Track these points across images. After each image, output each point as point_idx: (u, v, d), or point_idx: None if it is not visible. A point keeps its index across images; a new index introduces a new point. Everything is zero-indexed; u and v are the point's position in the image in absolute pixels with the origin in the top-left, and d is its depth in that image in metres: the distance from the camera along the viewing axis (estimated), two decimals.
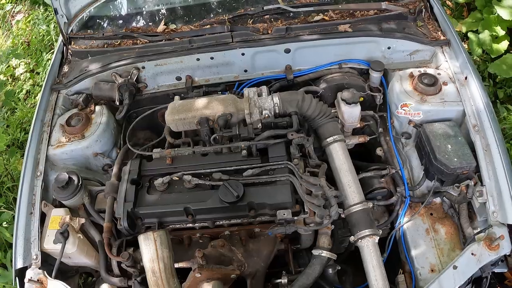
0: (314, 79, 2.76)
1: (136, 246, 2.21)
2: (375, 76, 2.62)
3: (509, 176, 2.13)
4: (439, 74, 2.54)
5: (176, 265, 2.05)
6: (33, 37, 4.85)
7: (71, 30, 2.95)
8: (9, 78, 4.53)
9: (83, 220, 2.35)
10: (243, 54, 2.69)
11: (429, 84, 2.46)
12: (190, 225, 2.27)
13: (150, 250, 1.76)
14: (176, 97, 2.59)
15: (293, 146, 2.29)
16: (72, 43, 2.94)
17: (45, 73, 4.58)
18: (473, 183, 2.24)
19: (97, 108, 2.70)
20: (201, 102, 2.46)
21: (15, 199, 3.31)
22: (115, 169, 2.48)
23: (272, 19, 2.80)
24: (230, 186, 2.12)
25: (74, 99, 2.77)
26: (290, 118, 2.37)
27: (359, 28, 2.70)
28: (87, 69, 2.79)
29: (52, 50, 4.75)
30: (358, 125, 2.54)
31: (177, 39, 2.73)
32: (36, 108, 2.71)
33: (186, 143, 2.51)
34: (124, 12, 2.98)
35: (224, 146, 2.33)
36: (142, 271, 2.17)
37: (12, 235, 3.10)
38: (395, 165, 2.50)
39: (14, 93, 3.67)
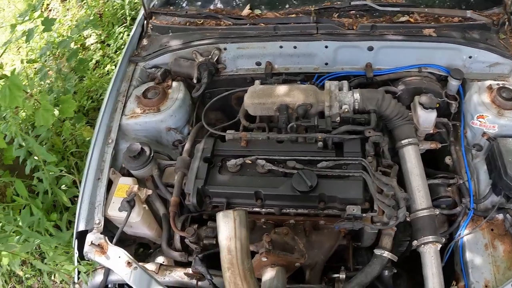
0: (393, 79, 2.67)
1: (199, 223, 2.23)
2: (454, 84, 2.54)
3: None
4: None
5: None
6: (106, 9, 4.88)
7: (153, 5, 2.93)
8: (80, 47, 4.59)
9: (150, 192, 2.30)
10: (326, 47, 2.62)
11: (508, 99, 2.38)
12: (257, 209, 2.21)
13: (229, 228, 1.70)
14: (257, 81, 2.52)
15: (369, 143, 2.23)
16: (153, 17, 2.92)
17: (116, 45, 4.66)
18: None
19: (174, 84, 2.66)
20: (282, 89, 2.40)
21: (77, 164, 3.32)
22: (187, 145, 2.46)
23: (357, 15, 2.72)
24: (304, 175, 2.08)
25: (152, 73, 2.74)
26: (368, 116, 2.32)
27: (443, 34, 2.59)
28: (167, 44, 2.76)
29: (125, 24, 4.80)
30: (431, 131, 2.45)
31: (262, 24, 2.67)
32: (113, 78, 2.69)
33: (261, 128, 2.47)
34: None
35: (301, 136, 2.29)
36: (204, 248, 2.15)
37: (69, 199, 3.17)
38: (462, 175, 2.40)
39: (87, 61, 3.69)
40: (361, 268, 2.13)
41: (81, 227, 2.21)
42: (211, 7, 2.88)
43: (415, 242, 2.08)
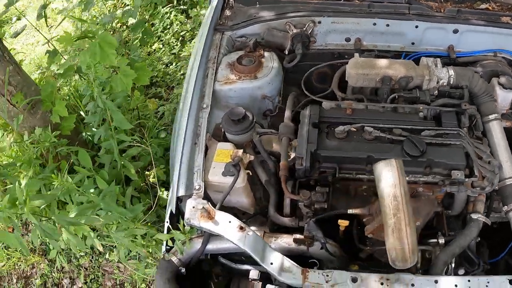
0: (471, 62, 2.73)
1: (306, 188, 2.15)
2: None
3: None
4: None
5: (350, 211, 2.05)
6: None
7: None
8: (122, 25, 4.49)
9: (252, 157, 2.22)
10: (416, 27, 2.65)
11: None
12: (360, 176, 2.19)
13: (393, 175, 1.73)
14: (356, 54, 2.54)
15: (465, 116, 2.32)
16: None
17: (162, 25, 4.56)
18: None
19: (266, 53, 2.61)
20: (383, 61, 2.45)
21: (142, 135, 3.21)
22: (287, 112, 2.45)
23: (442, 0, 2.78)
24: (415, 140, 2.11)
25: (243, 41, 2.68)
26: (461, 91, 2.44)
27: None
28: (257, 15, 2.71)
29: (171, 4, 4.72)
30: (504, 111, 2.55)
31: (356, 1, 2.68)
32: (200, 46, 2.60)
33: (357, 99, 2.48)
34: None
35: (404, 106, 2.34)
36: (315, 213, 2.12)
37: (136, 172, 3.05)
38: None
39: (152, 32, 3.58)
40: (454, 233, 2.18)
41: (181, 192, 2.08)
42: None
43: (505, 208, 2.16)
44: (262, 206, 2.36)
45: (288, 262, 1.91)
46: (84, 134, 3.39)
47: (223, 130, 2.36)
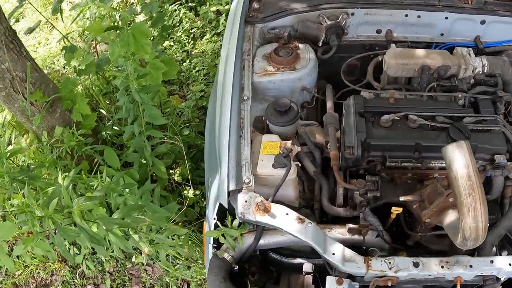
0: (498, 52, 2.79)
1: (355, 178, 2.15)
2: None
3: None
4: None
5: (402, 198, 2.04)
6: None
7: None
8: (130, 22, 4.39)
9: (299, 149, 2.20)
10: (446, 18, 2.69)
11: None
12: (405, 164, 2.19)
13: (465, 156, 1.75)
14: (393, 45, 2.55)
15: (501, 102, 2.37)
16: None
17: (172, 22, 4.50)
18: None
19: (301, 45, 2.60)
20: (421, 51, 2.49)
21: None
22: (329, 103, 2.47)
23: None
24: (459, 127, 2.14)
25: (276, 33, 2.66)
26: (495, 79, 2.50)
27: None
28: (288, 7, 2.70)
29: (179, 1, 4.66)
30: None
31: None
32: (234, 38, 2.55)
33: (395, 88, 2.49)
34: None
35: (443, 94, 2.38)
36: (369, 202, 2.12)
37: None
38: None
39: (170, 27, 3.50)
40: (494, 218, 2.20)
41: (232, 187, 2.00)
42: None
43: None
44: (306, 198, 2.36)
45: (350, 252, 1.90)
46: (104, 133, 3.32)
47: (267, 122, 2.35)
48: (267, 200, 1.99)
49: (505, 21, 2.73)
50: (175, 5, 4.62)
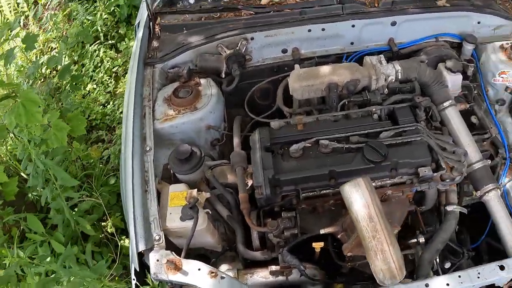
0: (415, 51, 2.69)
1: (271, 216, 2.04)
2: (469, 48, 2.63)
3: None
4: None
5: (322, 231, 1.94)
6: (73, 29, 4.51)
7: (157, 5, 2.69)
8: (52, 70, 4.18)
9: (208, 195, 2.03)
10: (353, 26, 2.56)
11: None
12: (325, 192, 2.06)
13: (364, 195, 1.64)
14: (296, 66, 2.39)
15: (420, 108, 2.26)
16: (158, 18, 2.69)
17: (93, 63, 4.31)
18: None
19: (202, 80, 2.43)
20: (326, 69, 2.32)
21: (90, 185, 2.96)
22: (236, 140, 2.30)
23: None
24: (375, 145, 2.01)
25: (175, 72, 2.49)
26: (411, 84, 2.37)
27: (454, 3, 2.67)
28: (185, 42, 2.53)
29: (99, 41, 4.48)
30: (457, 94, 2.52)
31: (287, 10, 2.54)
32: (132, 84, 2.39)
33: (306, 112, 2.36)
34: None
35: (356, 111, 2.23)
36: (286, 241, 2.00)
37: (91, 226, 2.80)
38: (491, 130, 2.49)
39: (80, 76, 3.31)
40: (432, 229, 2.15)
41: (142, 247, 1.86)
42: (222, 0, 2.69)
43: (478, 193, 2.17)
44: (229, 240, 2.21)
45: None
46: (30, 195, 3.11)
47: (172, 171, 2.18)
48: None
49: (417, 19, 2.62)
50: (95, 45, 4.43)
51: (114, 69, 4.35)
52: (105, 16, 4.42)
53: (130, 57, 4.37)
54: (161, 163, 2.24)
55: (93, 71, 4.19)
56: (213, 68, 2.49)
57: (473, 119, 2.55)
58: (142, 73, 2.47)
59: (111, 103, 4.02)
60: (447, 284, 1.79)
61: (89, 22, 4.43)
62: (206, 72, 2.52)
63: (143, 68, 2.49)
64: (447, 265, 2.14)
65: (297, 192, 2.04)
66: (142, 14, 2.77)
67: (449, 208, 2.13)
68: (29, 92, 2.19)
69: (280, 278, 1.97)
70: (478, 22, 2.66)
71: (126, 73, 4.31)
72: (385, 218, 1.63)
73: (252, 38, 2.50)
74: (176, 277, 1.81)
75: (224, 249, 2.18)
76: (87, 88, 4.05)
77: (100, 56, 4.35)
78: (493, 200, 2.13)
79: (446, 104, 2.32)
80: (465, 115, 2.48)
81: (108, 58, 4.36)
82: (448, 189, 2.18)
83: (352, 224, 1.89)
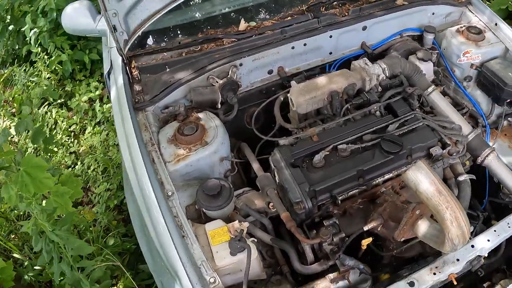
0: (385, 50, 2.89)
1: (313, 229, 2.05)
2: (430, 37, 2.87)
3: None
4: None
5: (366, 228, 1.99)
6: (16, 94, 4.23)
7: (131, 48, 2.61)
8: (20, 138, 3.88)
9: (247, 224, 1.99)
10: (330, 37, 2.69)
11: (477, 33, 2.79)
12: (351, 193, 2.11)
13: (428, 175, 1.73)
14: (293, 82, 2.45)
15: (412, 98, 2.43)
16: (133, 61, 2.62)
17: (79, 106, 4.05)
18: None
19: (201, 115, 2.39)
20: (323, 79, 2.41)
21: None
22: (255, 164, 2.35)
23: (340, 4, 2.86)
24: (390, 138, 2.15)
25: (170, 111, 2.42)
26: (399, 78, 2.55)
27: (411, 0, 2.91)
28: (173, 80, 2.47)
29: (47, 102, 4.19)
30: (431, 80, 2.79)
31: (268, 32, 2.59)
32: (130, 132, 2.26)
33: (310, 124, 2.41)
34: (188, 20, 2.71)
35: (360, 112, 2.36)
36: (338, 246, 2.02)
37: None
38: (466, 104, 2.76)
39: (53, 137, 3.04)
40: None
41: None
42: (197, 33, 2.66)
43: (479, 159, 2.36)
44: (270, 265, 2.18)
45: None
46: (26, 277, 2.82)
47: (202, 210, 2.10)
48: None
49: (382, 20, 2.82)
50: (44, 107, 4.18)
51: (71, 128, 4.13)
52: (48, 76, 4.19)
53: (85, 113, 4.24)
54: (183, 206, 2.12)
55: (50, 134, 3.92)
56: (209, 100, 2.45)
57: (447, 100, 2.72)
58: (135, 119, 2.37)
59: (78, 163, 3.79)
60: (488, 240, 2.00)
61: (33, 83, 4.18)
62: (202, 105, 2.47)
63: (134, 114, 2.39)
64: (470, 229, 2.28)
65: (333, 198, 2.07)
66: (113, 61, 2.65)
67: (461, 178, 2.27)
68: (32, 157, 1.99)
69: (341, 283, 1.97)
70: (433, 13, 2.93)
71: (83, 129, 4.11)
72: (448, 189, 1.75)
73: (241, 64, 2.51)
74: None
75: (269, 274, 2.12)
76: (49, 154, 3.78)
77: (53, 117, 4.10)
78: (494, 161, 2.33)
79: (430, 89, 2.51)
80: None
81: (62, 118, 4.12)
82: (453, 163, 2.33)
83: (393, 213, 2.01)
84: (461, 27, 2.84)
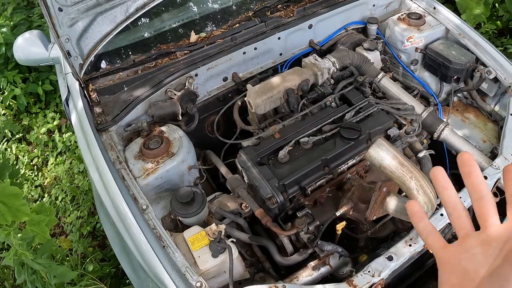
0: (332, 45, 3.03)
1: (287, 222, 2.13)
2: (373, 28, 3.04)
3: (496, 51, 2.72)
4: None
5: (339, 213, 2.09)
6: None
7: (86, 71, 2.63)
8: None
9: (224, 226, 2.04)
10: (279, 38, 2.79)
11: (417, 18, 2.94)
12: (320, 182, 2.22)
13: (389, 150, 1.82)
14: (248, 85, 2.53)
15: (364, 86, 2.56)
16: (90, 84, 2.66)
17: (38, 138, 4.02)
18: (481, 67, 2.71)
19: (163, 128, 2.44)
20: (277, 79, 2.52)
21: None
22: (223, 168, 2.42)
23: (284, 7, 2.98)
24: (349, 125, 2.26)
25: (133, 128, 2.46)
26: (349, 69, 2.69)
27: None
28: (132, 97, 2.51)
29: (5, 138, 4.15)
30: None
31: (219, 40, 2.67)
32: (96, 153, 2.30)
33: (270, 123, 2.51)
34: (140, 37, 2.77)
35: (316, 105, 2.47)
36: (314, 234, 2.09)
37: None
38: (416, 86, 2.92)
39: (19, 172, 3.00)
40: None
41: None
42: (148, 50, 2.72)
43: (435, 135, 2.50)
44: (252, 264, 2.24)
45: (332, 286, 1.86)
46: None
47: (178, 219, 2.16)
48: None
49: (326, 17, 2.94)
50: (2, 144, 4.13)
51: (33, 162, 4.09)
52: (3, 112, 4.15)
53: (45, 145, 4.21)
54: (158, 218, 2.15)
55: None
56: (169, 113, 2.50)
57: (398, 84, 2.89)
58: (100, 140, 2.41)
59: (46, 195, 3.76)
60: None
61: None
62: (164, 119, 2.52)
63: (98, 135, 2.43)
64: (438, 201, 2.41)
65: (303, 190, 2.16)
66: (70, 87, 2.68)
67: (420, 154, 2.40)
68: (6, 186, 1.99)
69: (323, 269, 2.05)
70: (373, 5, 3.09)
71: (47, 161, 4.08)
72: (410, 161, 1.85)
73: (196, 75, 2.58)
74: None
75: (253, 273, 2.18)
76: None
77: (14, 153, 4.05)
78: (449, 135, 2.47)
79: (379, 76, 2.67)
80: None
81: (23, 153, 4.08)
82: (411, 141, 2.45)
83: (362, 195, 2.11)
84: (402, 15, 3.00)
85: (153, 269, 1.92)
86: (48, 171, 3.98)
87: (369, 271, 1.89)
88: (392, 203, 2.00)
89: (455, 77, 2.78)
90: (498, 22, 4.51)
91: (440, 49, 2.81)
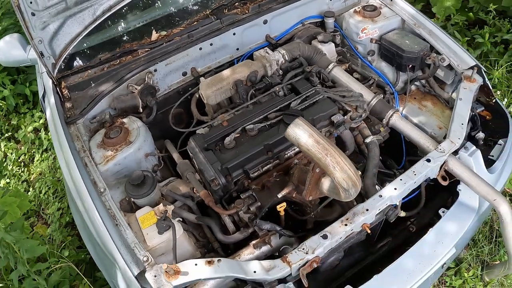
0: (289, 39, 3.20)
1: (232, 202, 2.29)
2: (330, 21, 3.20)
3: (451, 39, 2.85)
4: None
5: (280, 194, 2.23)
6: None
7: (59, 70, 2.84)
8: None
9: (172, 207, 2.24)
10: (234, 34, 2.98)
11: (372, 10, 3.09)
12: (266, 167, 2.38)
13: (305, 129, 1.89)
14: (202, 78, 2.75)
15: (312, 75, 2.71)
16: (63, 82, 2.89)
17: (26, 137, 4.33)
18: (434, 54, 2.82)
19: (125, 119, 2.66)
20: (227, 71, 2.73)
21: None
22: (176, 154, 2.62)
23: (241, 4, 3.16)
24: (291, 112, 2.41)
25: (98, 120, 2.69)
26: (298, 60, 2.85)
27: None
28: (97, 93, 2.74)
29: None
30: (335, 60, 3.10)
31: (177, 38, 2.89)
32: (64, 144, 2.52)
33: (222, 113, 2.67)
34: (107, 37, 2.99)
35: (265, 95, 2.64)
36: (255, 214, 2.25)
37: None
38: (373, 76, 3.05)
39: (2, 163, 3.27)
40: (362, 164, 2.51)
41: (136, 271, 1.98)
42: (114, 48, 2.95)
43: (384, 121, 2.58)
44: (204, 245, 2.42)
45: (267, 262, 1.99)
46: None
47: (132, 200, 2.38)
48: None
49: (282, 12, 3.11)
50: None
51: (20, 159, 4.36)
52: None
53: (32, 142, 4.48)
54: (116, 201, 2.39)
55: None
56: (130, 106, 2.72)
57: (355, 75, 3.09)
58: (68, 132, 2.64)
59: (30, 189, 4.04)
60: (395, 188, 2.19)
61: None
62: (126, 111, 2.74)
63: (67, 128, 2.65)
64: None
65: (246, 173, 2.33)
66: (45, 84, 2.91)
67: (368, 140, 2.53)
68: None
69: (264, 248, 2.19)
70: (330, 0, 3.23)
71: (33, 158, 4.36)
72: (328, 140, 1.92)
73: (155, 70, 2.79)
74: (179, 280, 1.92)
75: (204, 253, 2.36)
76: (1, 184, 4.04)
77: (3, 150, 4.34)
78: (398, 120, 2.56)
79: (330, 66, 2.81)
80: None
81: (11, 150, 4.36)
82: (360, 128, 2.60)
83: (301, 177, 2.23)
84: (358, 8, 3.14)
85: (106, 245, 2.13)
86: (34, 167, 4.24)
87: (303, 249, 2.00)
88: (326, 183, 2.11)
89: (410, 65, 2.87)
90: (471, 13, 4.66)
91: (394, 39, 2.92)
